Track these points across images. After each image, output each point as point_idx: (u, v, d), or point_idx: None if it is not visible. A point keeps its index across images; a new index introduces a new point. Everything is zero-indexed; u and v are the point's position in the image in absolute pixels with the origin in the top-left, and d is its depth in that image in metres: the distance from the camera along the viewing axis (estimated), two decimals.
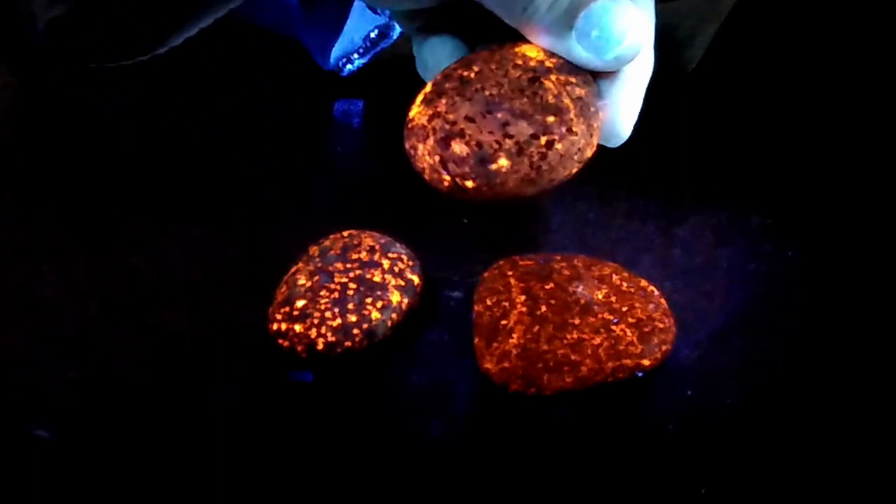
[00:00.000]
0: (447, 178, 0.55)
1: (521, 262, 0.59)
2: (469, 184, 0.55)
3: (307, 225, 0.65)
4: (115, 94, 0.78)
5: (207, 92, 0.79)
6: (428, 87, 0.57)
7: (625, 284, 0.57)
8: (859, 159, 0.70)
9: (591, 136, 0.56)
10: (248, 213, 0.69)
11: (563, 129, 0.55)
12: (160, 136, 0.76)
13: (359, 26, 0.74)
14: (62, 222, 0.69)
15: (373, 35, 0.75)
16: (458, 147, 0.54)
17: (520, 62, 0.57)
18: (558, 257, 0.59)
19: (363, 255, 0.60)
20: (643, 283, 0.58)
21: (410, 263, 0.60)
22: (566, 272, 0.58)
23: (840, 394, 0.55)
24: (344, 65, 0.76)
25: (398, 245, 0.61)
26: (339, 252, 0.60)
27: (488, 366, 0.55)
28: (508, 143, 0.54)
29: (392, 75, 0.77)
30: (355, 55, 0.76)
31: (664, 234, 0.65)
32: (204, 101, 0.79)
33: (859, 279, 0.62)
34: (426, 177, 0.56)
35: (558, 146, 0.54)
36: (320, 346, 0.56)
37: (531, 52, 0.58)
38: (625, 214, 0.68)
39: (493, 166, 0.54)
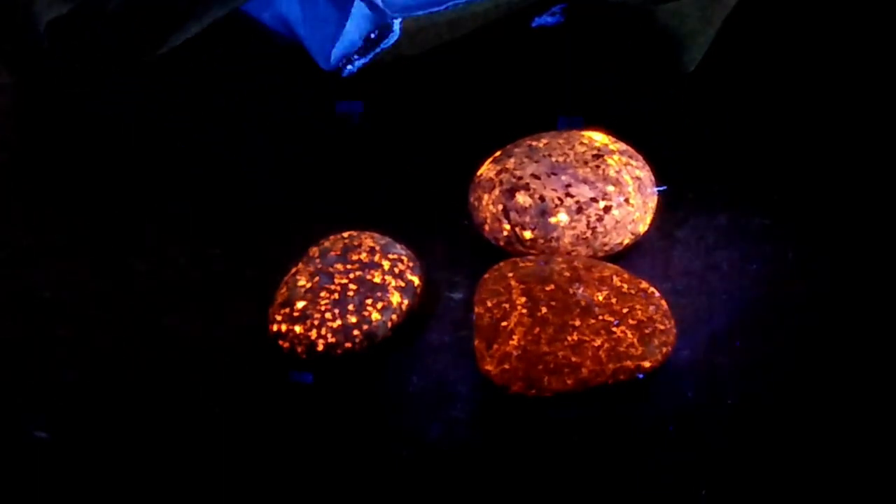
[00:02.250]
0: (507, 226, 0.61)
1: (521, 264, 0.59)
2: (527, 234, 0.61)
3: (307, 225, 0.65)
4: (115, 94, 0.78)
5: (207, 92, 0.79)
6: (498, 153, 0.64)
7: (625, 286, 0.57)
8: (859, 160, 0.70)
9: (646, 213, 0.63)
10: (248, 213, 0.69)
11: (621, 199, 0.61)
12: (160, 136, 0.76)
13: (359, 27, 0.74)
14: (62, 222, 0.69)
15: (373, 35, 0.74)
16: (522, 198, 0.61)
17: (586, 142, 0.64)
18: (559, 259, 0.59)
19: (363, 255, 0.60)
20: (643, 284, 0.58)
21: (411, 264, 0.60)
22: (567, 274, 0.58)
23: (840, 394, 0.55)
24: (344, 65, 0.76)
25: (398, 246, 0.61)
26: (339, 253, 0.60)
27: (489, 367, 0.55)
28: (569, 201, 0.61)
29: (392, 76, 0.77)
30: (355, 55, 0.76)
31: (664, 236, 0.65)
32: (204, 101, 0.78)
33: (859, 280, 0.62)
34: (486, 227, 0.63)
35: (615, 212, 0.61)
36: (320, 347, 0.56)
37: (596, 136, 0.65)
38: None
39: (553, 219, 0.60)
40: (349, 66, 0.76)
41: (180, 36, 0.66)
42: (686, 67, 0.77)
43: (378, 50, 0.76)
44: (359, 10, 0.74)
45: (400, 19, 0.73)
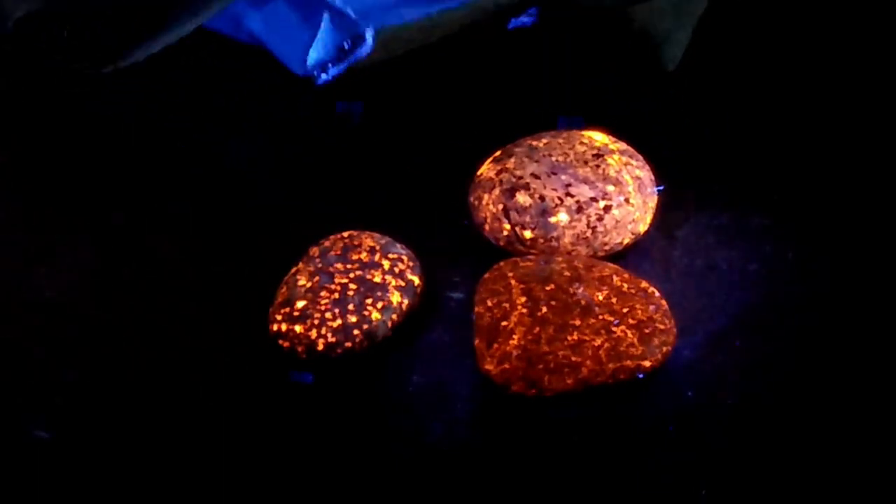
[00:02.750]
0: (507, 226, 0.62)
1: (521, 263, 0.59)
2: (527, 234, 0.61)
3: (307, 225, 0.65)
4: (115, 94, 0.78)
5: (207, 92, 0.79)
6: (498, 153, 0.65)
7: (625, 286, 0.57)
8: (859, 160, 0.70)
9: (646, 213, 0.63)
10: (248, 213, 0.69)
11: (622, 199, 0.62)
12: (160, 136, 0.76)
13: (332, 36, 0.74)
14: (62, 222, 0.69)
15: (346, 45, 0.74)
16: (522, 198, 0.61)
17: (586, 141, 0.64)
18: (559, 258, 0.59)
19: (363, 255, 0.60)
20: (644, 284, 0.58)
21: (411, 264, 0.60)
22: (567, 273, 0.58)
23: (840, 394, 0.55)
24: (319, 73, 0.76)
25: (398, 246, 0.61)
26: (339, 253, 0.60)
27: (489, 367, 0.55)
28: (570, 200, 0.61)
29: (391, 77, 0.77)
30: (330, 64, 0.76)
31: (664, 236, 0.65)
32: (204, 101, 0.78)
33: (859, 280, 0.62)
34: (487, 227, 0.63)
35: (615, 212, 0.61)
36: (320, 347, 0.56)
37: (597, 136, 0.65)
38: None
39: (553, 219, 0.61)
40: (324, 75, 0.76)
41: (150, 46, 0.66)
42: (667, 64, 0.78)
43: (353, 59, 0.76)
44: (330, 20, 0.74)
45: (372, 29, 0.73)
